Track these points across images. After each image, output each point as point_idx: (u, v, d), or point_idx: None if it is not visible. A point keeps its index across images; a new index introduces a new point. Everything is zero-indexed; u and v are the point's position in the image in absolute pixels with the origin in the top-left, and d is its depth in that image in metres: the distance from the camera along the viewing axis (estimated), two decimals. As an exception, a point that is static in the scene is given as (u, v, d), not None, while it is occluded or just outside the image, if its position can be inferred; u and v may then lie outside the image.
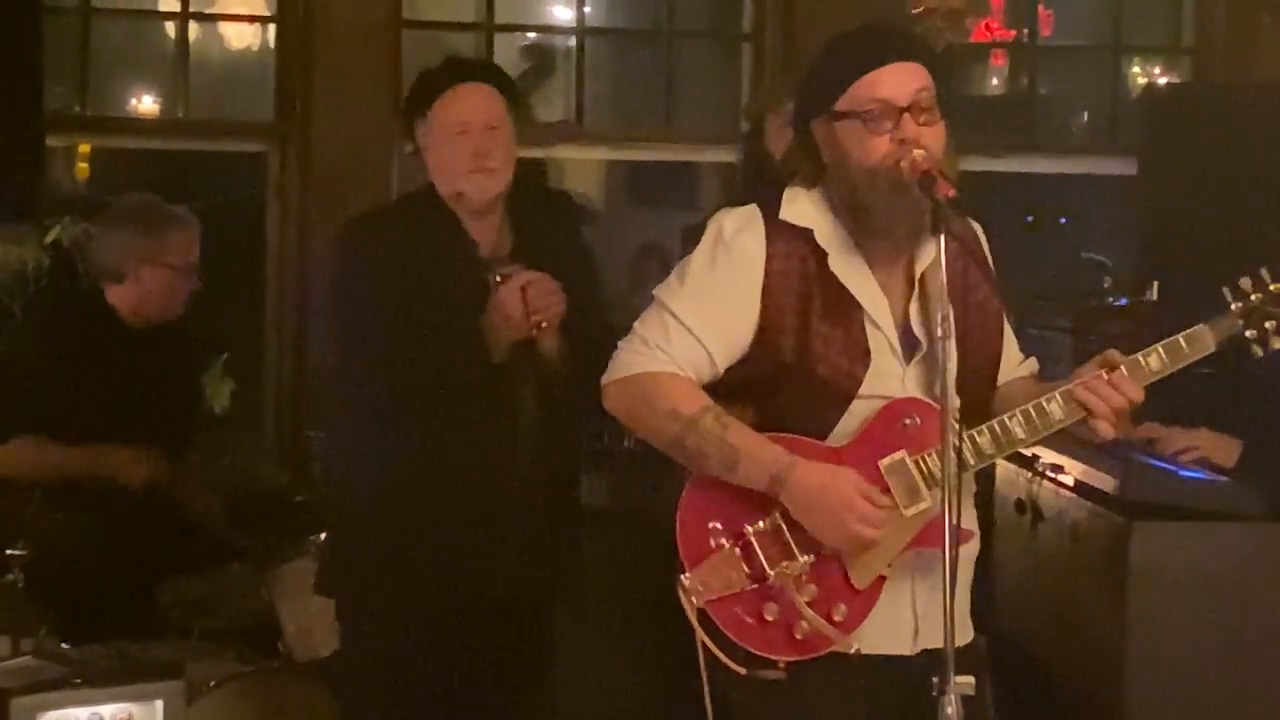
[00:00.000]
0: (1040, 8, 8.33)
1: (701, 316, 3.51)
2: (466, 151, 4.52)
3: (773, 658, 3.45)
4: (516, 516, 4.56)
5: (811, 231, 3.52)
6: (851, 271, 3.51)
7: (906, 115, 3.43)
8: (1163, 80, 8.41)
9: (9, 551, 5.08)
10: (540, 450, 4.61)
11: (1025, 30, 8.39)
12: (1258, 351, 3.64)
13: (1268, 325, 3.62)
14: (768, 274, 3.49)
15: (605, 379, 3.59)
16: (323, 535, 5.28)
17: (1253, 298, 3.62)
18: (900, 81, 3.46)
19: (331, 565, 4.89)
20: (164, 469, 5.69)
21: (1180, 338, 3.59)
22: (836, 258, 3.50)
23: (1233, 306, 3.62)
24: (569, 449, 4.80)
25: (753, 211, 3.55)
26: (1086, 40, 8.57)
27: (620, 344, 3.59)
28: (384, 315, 4.50)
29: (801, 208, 3.55)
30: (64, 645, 4.96)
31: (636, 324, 3.59)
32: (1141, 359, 3.55)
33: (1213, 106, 6.62)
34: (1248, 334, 3.63)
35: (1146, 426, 4.83)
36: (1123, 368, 3.52)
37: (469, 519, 4.53)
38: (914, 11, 7.29)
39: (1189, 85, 8.05)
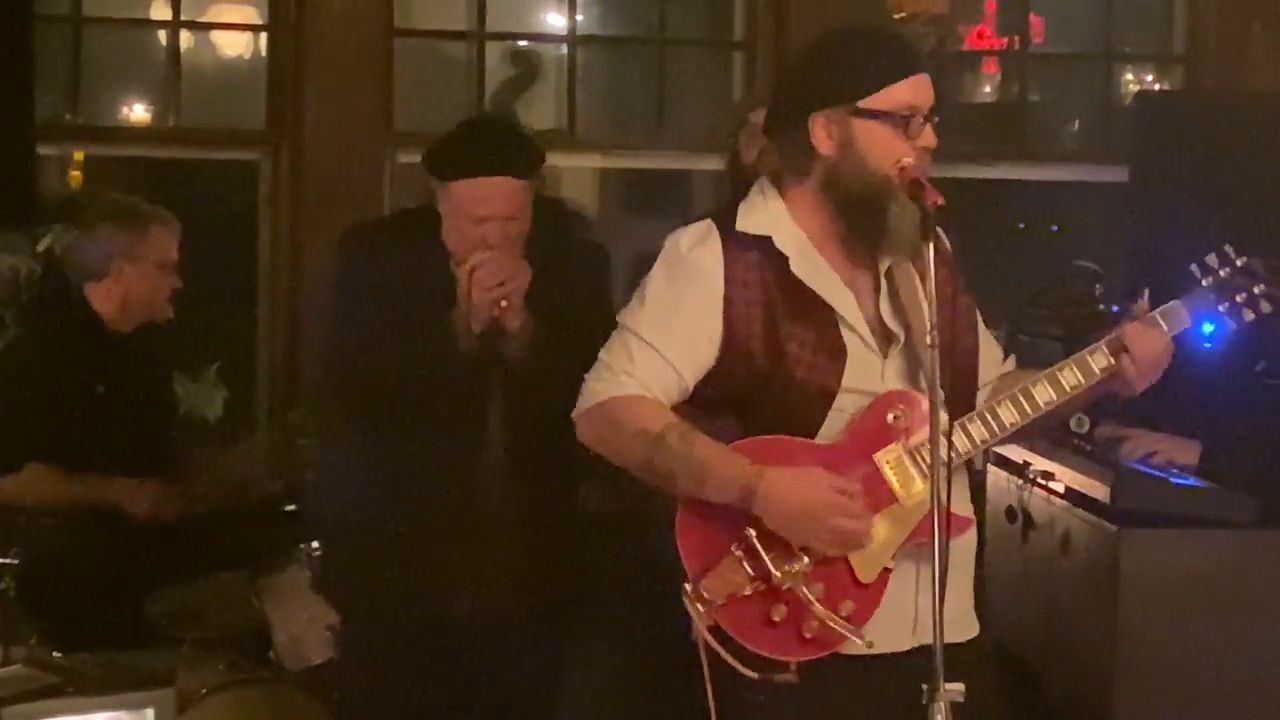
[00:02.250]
0: (1032, 15, 8.33)
1: (665, 335, 3.51)
2: (479, 237, 4.51)
3: (784, 659, 3.45)
4: (504, 525, 4.57)
5: (770, 239, 3.52)
6: (815, 273, 3.52)
7: (928, 125, 3.50)
8: (1155, 88, 8.42)
9: (0, 560, 5.08)
10: (522, 451, 4.62)
11: (1017, 38, 8.39)
12: (1232, 325, 3.71)
13: (1239, 299, 3.69)
14: (728, 284, 3.50)
15: (576, 411, 3.59)
16: (314, 544, 5.29)
17: (1221, 273, 3.69)
18: (926, 92, 3.53)
19: (326, 573, 4.91)
20: (169, 500, 5.69)
21: (1155, 314, 3.66)
22: (798, 261, 3.52)
23: (1204, 282, 3.69)
24: (557, 451, 4.79)
25: (707, 226, 3.57)
26: (1078, 48, 8.59)
27: (587, 375, 3.59)
28: (371, 319, 4.52)
29: (758, 218, 3.56)
30: (55, 654, 4.96)
31: (602, 352, 3.60)
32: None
33: (1204, 114, 6.62)
34: (1221, 308, 3.69)
35: (1109, 428, 4.86)
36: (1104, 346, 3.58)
37: (450, 528, 4.55)
38: (896, 16, 7.30)
39: (1180, 93, 8.06)
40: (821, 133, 3.52)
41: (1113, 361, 3.61)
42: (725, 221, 3.57)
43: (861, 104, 3.48)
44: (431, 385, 4.49)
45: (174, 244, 5.91)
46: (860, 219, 3.51)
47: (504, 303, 4.43)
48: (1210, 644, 4.43)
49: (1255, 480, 4.55)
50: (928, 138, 3.50)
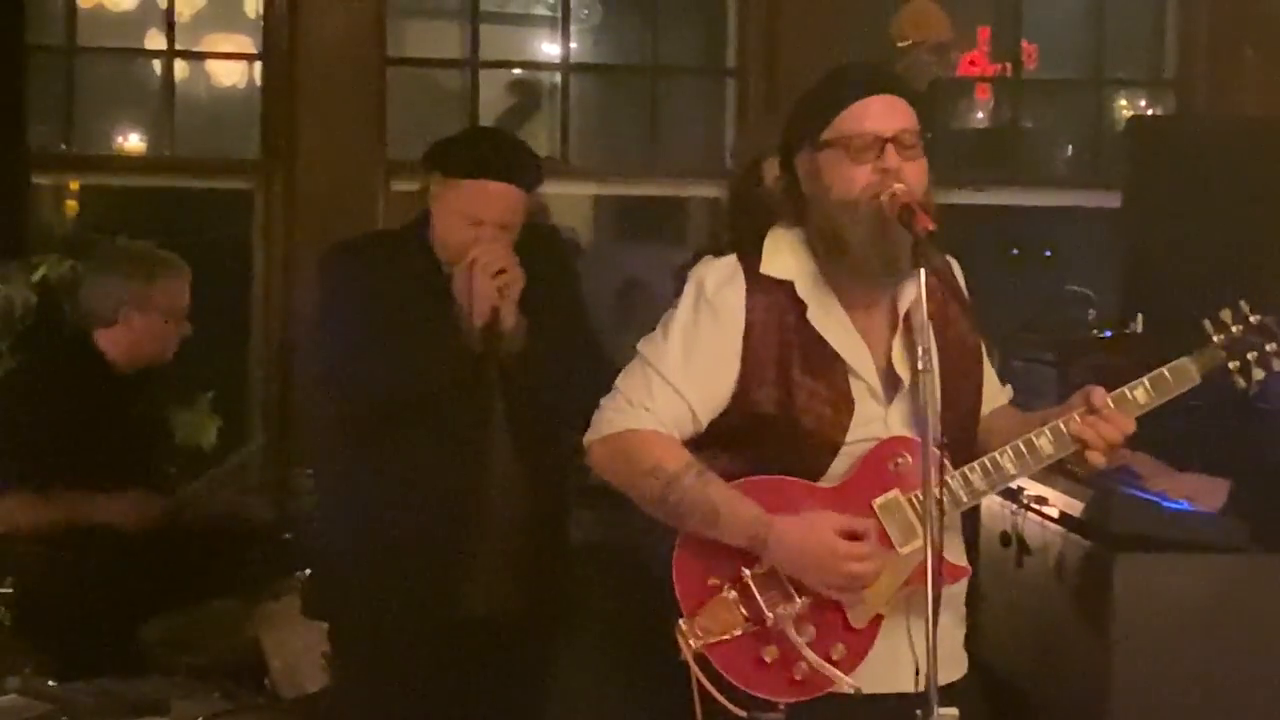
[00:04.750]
0: (1024, 42, 8.35)
1: (685, 373, 3.51)
2: (471, 240, 4.55)
3: (773, 700, 3.44)
4: (496, 542, 4.59)
5: (792, 284, 3.52)
6: (831, 323, 3.51)
7: (890, 146, 3.44)
8: (1147, 113, 8.44)
9: (-6, 589, 5.09)
10: (525, 451, 4.64)
11: (1009, 64, 8.41)
12: (1240, 383, 3.64)
13: (1250, 356, 3.62)
14: (748, 327, 3.50)
15: (589, 437, 3.58)
16: (308, 572, 5.29)
17: (1234, 329, 3.63)
18: (885, 114, 3.47)
19: (317, 590, 4.92)
20: (157, 510, 5.69)
21: (1165, 370, 3.59)
22: (816, 310, 3.51)
23: (1215, 339, 3.62)
24: (551, 470, 4.80)
25: (733, 264, 3.56)
26: (1070, 74, 8.60)
27: (603, 401, 3.58)
28: (370, 323, 4.55)
29: (783, 260, 3.55)
30: (50, 683, 4.95)
31: (619, 380, 3.59)
32: (1128, 392, 3.56)
33: (1196, 139, 6.64)
34: (1230, 365, 3.63)
35: (1138, 458, 4.85)
36: (1110, 402, 3.53)
37: (444, 542, 4.57)
38: (900, 44, 7.31)
39: (1172, 118, 8.08)
40: (802, 173, 3.54)
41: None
42: (750, 261, 3.56)
43: (822, 136, 3.48)
44: (437, 383, 4.52)
45: (184, 293, 5.91)
46: (836, 257, 3.50)
47: (504, 291, 4.47)
48: (1204, 668, 4.44)
49: (1247, 504, 4.56)
50: (889, 159, 3.44)
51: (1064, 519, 4.82)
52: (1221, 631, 4.45)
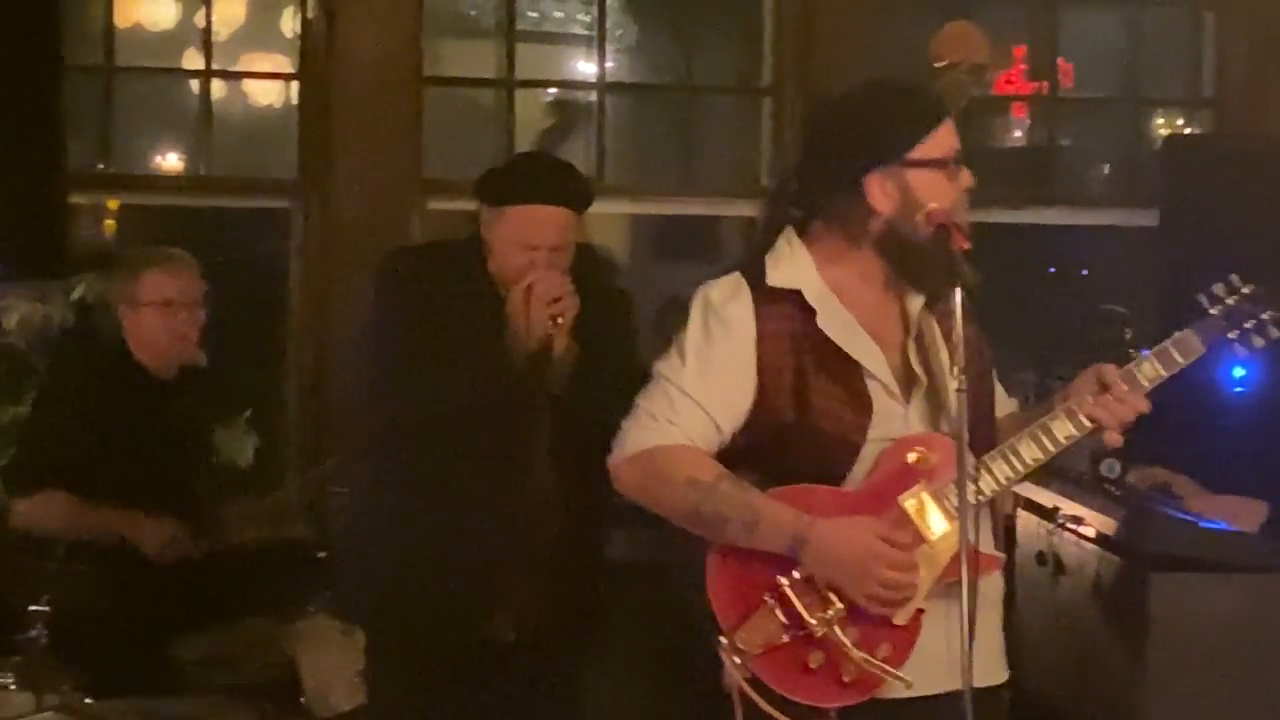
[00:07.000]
0: (1061, 60, 8.34)
1: (705, 387, 3.52)
2: (527, 264, 4.57)
3: (823, 706, 3.44)
4: (534, 564, 4.59)
5: (799, 292, 3.54)
6: (841, 328, 3.53)
7: (963, 167, 3.55)
8: (1184, 132, 8.42)
9: (32, 608, 5.09)
10: (567, 476, 4.65)
11: (1046, 83, 8.41)
12: (1241, 351, 3.72)
13: (1248, 325, 3.70)
14: (760, 338, 3.51)
15: (615, 458, 3.58)
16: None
17: (1229, 301, 3.71)
18: (956, 135, 3.58)
19: (351, 600, 4.94)
20: (184, 540, 5.70)
21: (1169, 344, 3.65)
22: (825, 315, 3.53)
23: (1212, 311, 3.70)
24: (595, 495, 4.81)
25: (736, 280, 3.58)
26: (1107, 92, 8.59)
27: (625, 422, 3.59)
28: (423, 337, 4.56)
29: (786, 270, 3.57)
30: (87, 701, 4.96)
31: (640, 400, 3.59)
32: (1135, 369, 3.62)
33: (1233, 158, 6.64)
34: (1230, 335, 3.70)
35: (1176, 480, 4.85)
36: (1120, 380, 3.57)
37: (478, 562, 4.57)
38: (938, 65, 7.30)
39: (1209, 137, 8.06)
40: (878, 191, 3.52)
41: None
42: (754, 274, 3.58)
43: (912, 155, 3.51)
44: (484, 404, 4.52)
45: (174, 283, 5.88)
46: (927, 267, 3.52)
47: (559, 319, 4.48)
48: (1239, 688, 4.42)
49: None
50: (967, 178, 3.56)
51: (1100, 538, 4.81)
52: (1257, 651, 4.44)
